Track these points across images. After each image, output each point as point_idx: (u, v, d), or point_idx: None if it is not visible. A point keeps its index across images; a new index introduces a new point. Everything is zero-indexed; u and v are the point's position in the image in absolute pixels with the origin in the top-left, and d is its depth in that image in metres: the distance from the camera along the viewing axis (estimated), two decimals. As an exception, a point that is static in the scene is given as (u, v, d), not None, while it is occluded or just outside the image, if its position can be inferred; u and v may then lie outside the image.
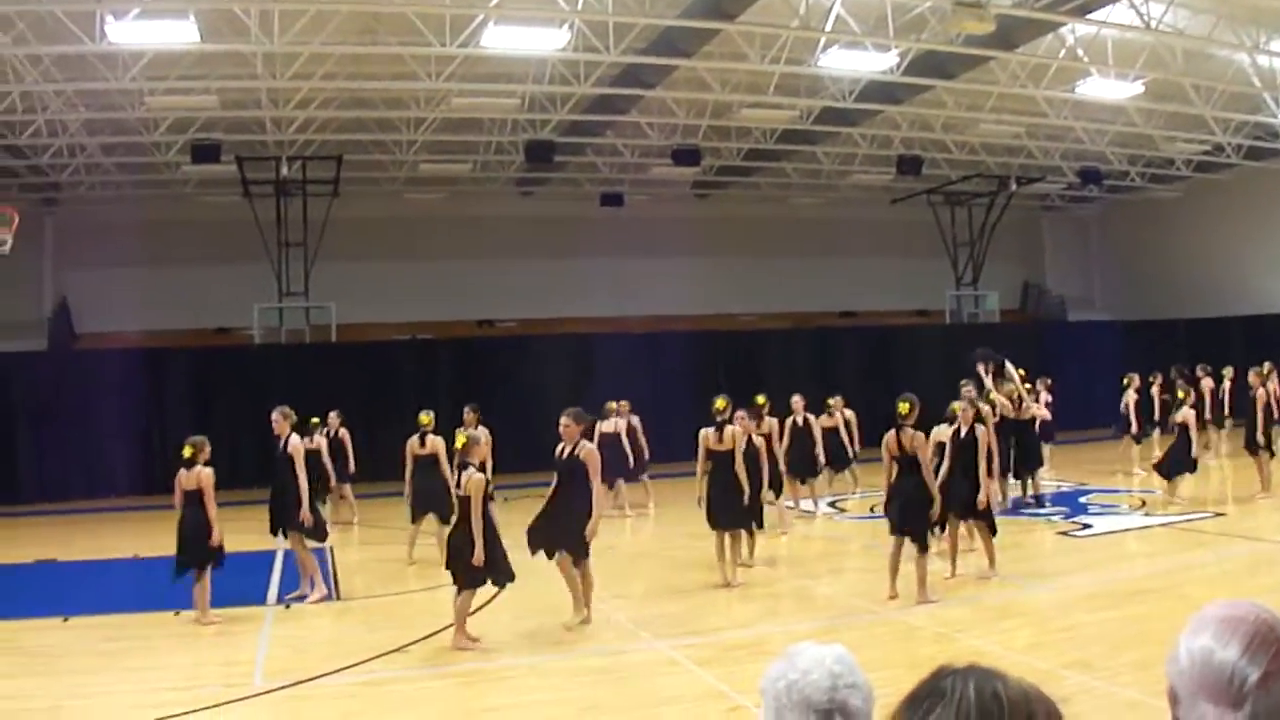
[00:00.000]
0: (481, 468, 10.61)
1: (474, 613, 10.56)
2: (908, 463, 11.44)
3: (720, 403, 12.84)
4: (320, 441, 17.74)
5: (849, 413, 19.68)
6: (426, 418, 15.08)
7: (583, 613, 10.87)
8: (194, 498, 11.50)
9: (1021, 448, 17.30)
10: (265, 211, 26.57)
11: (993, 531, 12.57)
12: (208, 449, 11.67)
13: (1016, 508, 17.07)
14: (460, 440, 10.70)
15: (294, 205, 26.82)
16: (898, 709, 1.66)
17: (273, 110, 22.40)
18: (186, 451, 11.59)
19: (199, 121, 23.24)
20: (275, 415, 12.91)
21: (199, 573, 11.43)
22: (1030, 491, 17.49)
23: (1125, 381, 21.41)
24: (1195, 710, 1.67)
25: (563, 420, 10.97)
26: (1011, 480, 17.32)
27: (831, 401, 19.49)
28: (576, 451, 10.82)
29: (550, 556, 10.99)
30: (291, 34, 17.78)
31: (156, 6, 16.65)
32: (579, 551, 10.81)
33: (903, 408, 11.48)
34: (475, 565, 9.96)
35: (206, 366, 26.27)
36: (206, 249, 28.34)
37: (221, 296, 28.03)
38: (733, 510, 12.69)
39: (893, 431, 11.47)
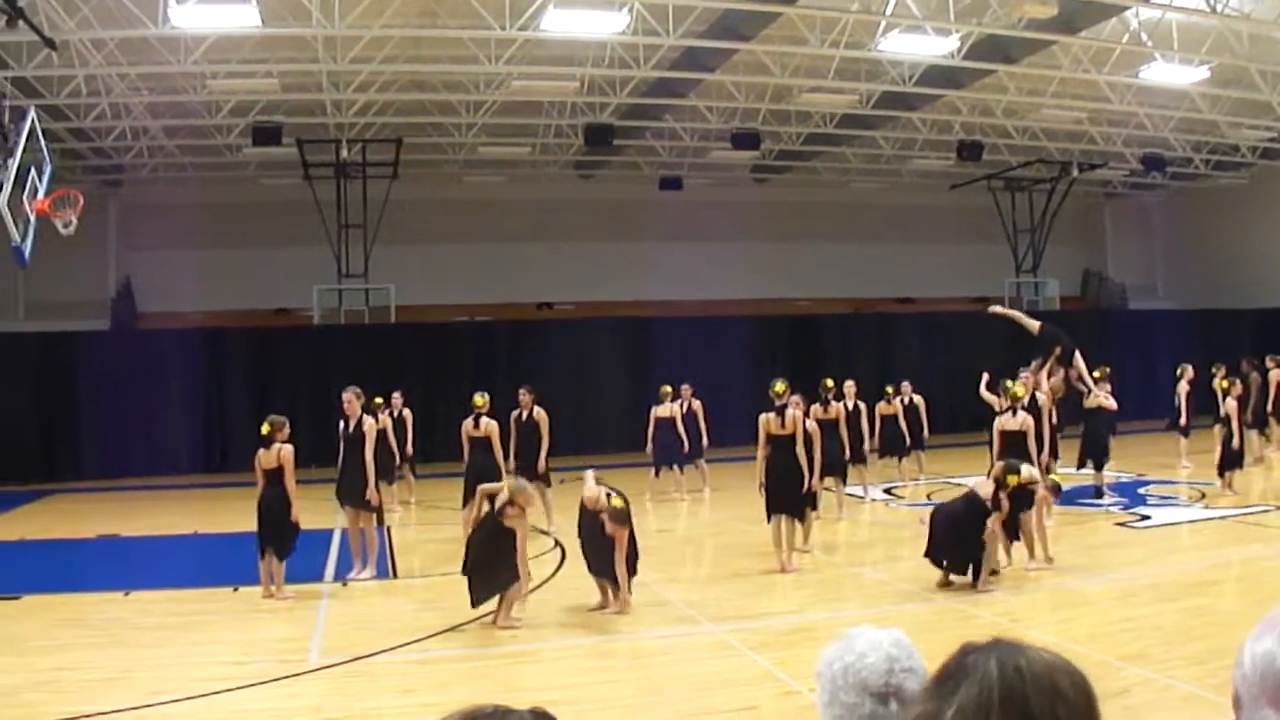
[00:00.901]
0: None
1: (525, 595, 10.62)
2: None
3: (780, 386, 12.69)
4: (385, 421, 17.88)
5: (918, 398, 19.57)
6: (481, 399, 15.06)
7: (625, 602, 10.76)
8: (274, 476, 11.56)
9: (1088, 438, 17.05)
10: (325, 194, 26.78)
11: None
12: (287, 428, 11.73)
13: (1072, 497, 16.76)
14: (505, 494, 10.32)
15: (354, 188, 27.04)
16: (925, 690, 1.65)
17: (333, 93, 22.56)
18: (265, 429, 11.68)
19: (260, 104, 23.47)
20: (347, 395, 12.99)
21: (287, 553, 11.58)
22: (1096, 482, 17.15)
23: (1179, 372, 20.71)
24: (1257, 715, 1.63)
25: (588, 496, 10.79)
26: (1068, 469, 16.87)
27: (891, 388, 19.40)
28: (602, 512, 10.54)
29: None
30: (352, 17, 17.93)
31: (219, -10, 16.88)
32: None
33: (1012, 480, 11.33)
34: (496, 574, 10.10)
35: (266, 347, 26.61)
36: (267, 231, 28.63)
37: (281, 278, 28.37)
38: (791, 495, 12.64)
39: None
